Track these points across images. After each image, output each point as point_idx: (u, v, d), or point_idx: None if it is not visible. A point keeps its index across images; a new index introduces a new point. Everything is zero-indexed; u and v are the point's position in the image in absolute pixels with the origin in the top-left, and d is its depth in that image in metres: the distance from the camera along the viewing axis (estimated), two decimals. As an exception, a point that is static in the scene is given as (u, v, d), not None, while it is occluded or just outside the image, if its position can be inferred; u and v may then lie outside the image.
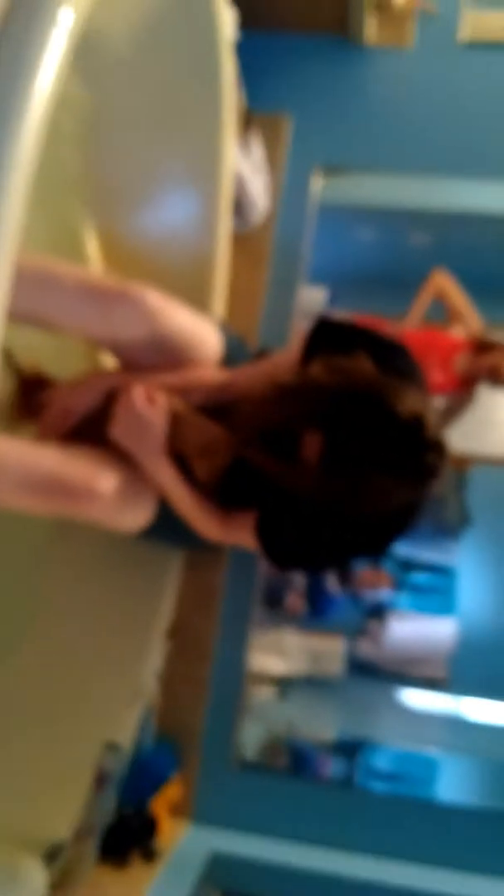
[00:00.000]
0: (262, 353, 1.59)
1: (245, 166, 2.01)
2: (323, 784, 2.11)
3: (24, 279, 1.26)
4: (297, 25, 2.37)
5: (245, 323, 2.16)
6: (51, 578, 1.71)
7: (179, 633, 1.97)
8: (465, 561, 2.37)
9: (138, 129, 1.66)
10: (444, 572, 2.40)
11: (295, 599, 2.32)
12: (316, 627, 2.33)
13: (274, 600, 2.28)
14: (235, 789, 2.01)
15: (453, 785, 2.21)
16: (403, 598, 2.40)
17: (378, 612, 2.36)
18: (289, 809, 2.00)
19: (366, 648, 2.33)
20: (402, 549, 2.36)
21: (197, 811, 1.97)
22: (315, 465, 1.28)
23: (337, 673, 2.29)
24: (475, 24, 2.39)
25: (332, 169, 2.37)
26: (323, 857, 1.91)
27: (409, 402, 1.21)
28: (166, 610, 1.77)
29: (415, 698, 2.33)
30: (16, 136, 0.93)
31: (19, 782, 1.48)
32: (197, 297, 1.69)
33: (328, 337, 1.38)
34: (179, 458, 1.36)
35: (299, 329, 2.21)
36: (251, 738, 2.10)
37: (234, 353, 1.50)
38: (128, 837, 1.66)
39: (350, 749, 2.21)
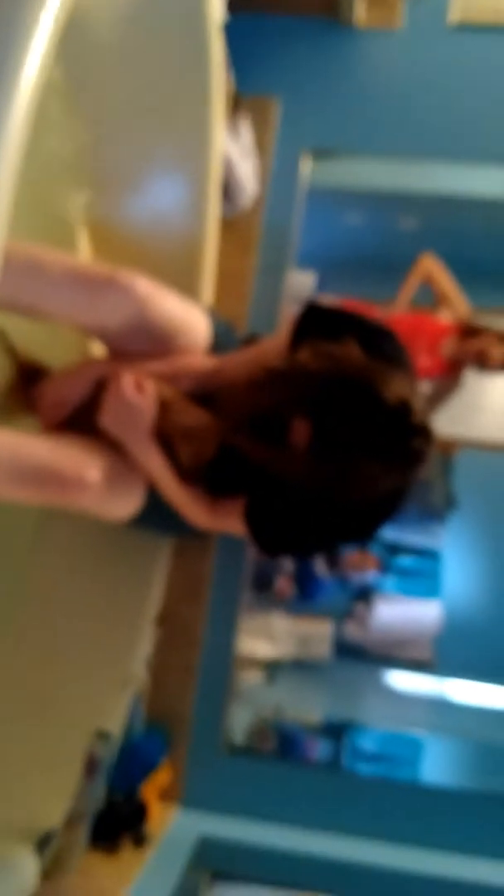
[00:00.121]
0: (250, 340, 1.58)
1: (234, 150, 1.99)
2: (310, 767, 2.13)
3: (12, 267, 1.24)
4: (286, 7, 2.34)
5: (234, 308, 2.14)
6: (39, 567, 1.71)
7: (168, 621, 1.98)
8: (451, 544, 2.39)
9: (126, 113, 1.64)
10: (429, 555, 2.42)
11: (284, 583, 2.33)
12: (304, 611, 2.34)
13: (263, 584, 2.29)
14: (224, 774, 2.02)
15: (438, 766, 2.24)
16: (390, 581, 2.41)
17: (365, 595, 2.38)
18: (277, 793, 2.01)
19: (353, 631, 2.35)
20: (389, 532, 2.37)
21: (186, 796, 1.98)
22: (303, 451, 1.28)
23: (324, 656, 2.30)
24: (465, 5, 2.37)
25: (321, 152, 2.35)
26: (311, 839, 1.93)
27: (395, 387, 1.22)
28: (155, 597, 1.77)
29: (401, 680, 2.35)
30: (3, 122, 0.91)
31: (9, 771, 1.49)
32: (186, 283, 1.67)
33: (317, 322, 1.38)
34: (168, 445, 1.36)
35: (288, 314, 2.20)
36: (239, 722, 2.12)
37: (222, 340, 1.49)
38: (118, 823, 1.67)
39: (337, 731, 2.24)
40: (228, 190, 2.05)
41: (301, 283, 2.37)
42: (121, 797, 1.72)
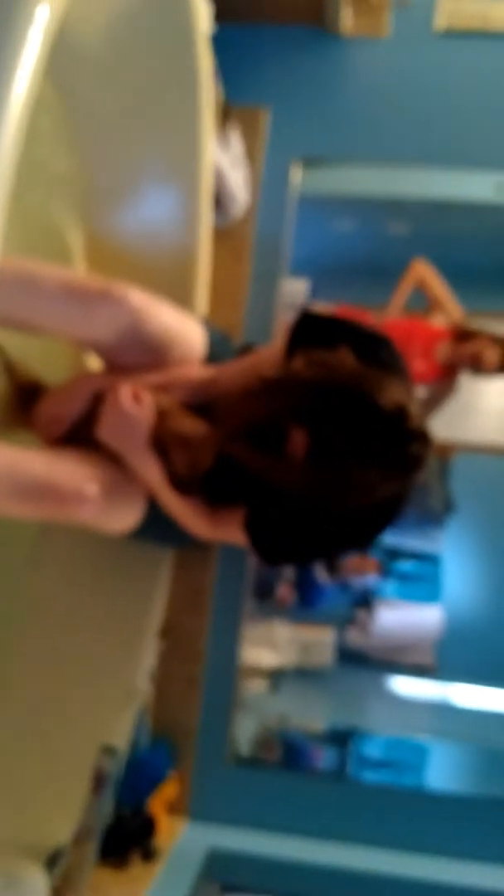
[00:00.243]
0: (246, 349, 1.58)
1: (224, 160, 2.00)
2: (316, 776, 2.12)
3: (6, 282, 1.25)
4: (273, 17, 2.35)
5: (228, 317, 2.15)
6: (39, 582, 1.70)
7: (171, 633, 1.97)
8: (450, 548, 2.39)
9: (116, 126, 1.64)
10: (429, 560, 2.42)
11: (285, 590, 2.32)
12: (305, 618, 2.34)
13: (264, 592, 2.28)
14: (231, 785, 2.02)
15: (443, 771, 2.24)
16: (390, 587, 2.41)
17: (366, 600, 2.37)
18: (284, 803, 2.01)
19: (354, 637, 2.34)
20: (388, 537, 2.37)
21: (194, 808, 1.97)
22: (301, 460, 1.28)
23: (327, 663, 2.30)
24: (451, 12, 2.38)
25: (311, 160, 2.36)
26: (319, 849, 1.92)
27: (391, 393, 1.22)
28: (157, 610, 1.76)
29: (404, 686, 2.34)
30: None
31: (17, 789, 1.48)
32: (180, 294, 1.68)
33: (311, 331, 1.38)
34: (164, 455, 1.36)
35: (283, 321, 2.21)
36: (244, 732, 2.11)
37: (218, 350, 1.49)
38: (127, 838, 1.66)
39: (341, 738, 2.23)
40: (220, 200, 2.05)
41: (294, 291, 2.38)
42: (128, 811, 1.71)
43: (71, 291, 1.31)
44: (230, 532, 1.46)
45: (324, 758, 2.20)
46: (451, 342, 2.28)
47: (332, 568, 2.34)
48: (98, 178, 1.69)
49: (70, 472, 1.30)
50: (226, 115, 2.05)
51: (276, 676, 2.29)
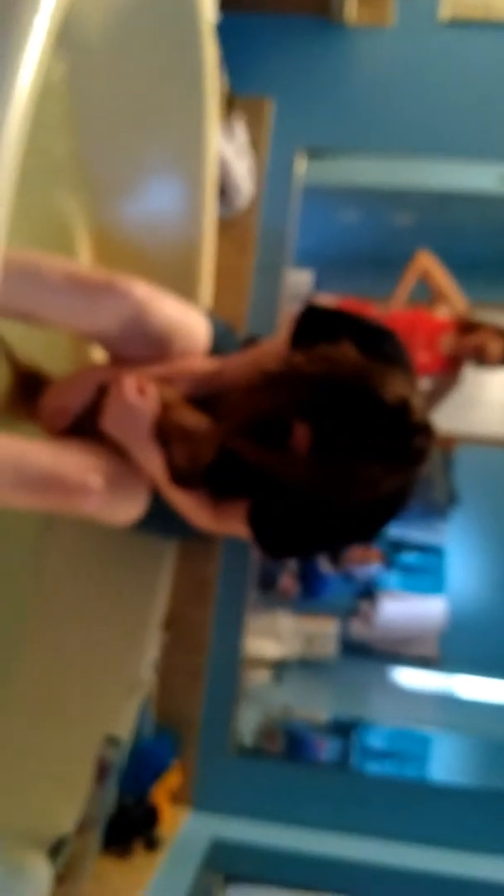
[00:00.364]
0: (250, 341, 1.58)
1: (229, 151, 1.99)
2: (319, 767, 2.13)
3: (11, 274, 1.24)
4: (278, 6, 2.33)
5: (233, 308, 2.14)
6: (44, 574, 1.71)
7: (175, 624, 1.97)
8: (454, 540, 2.39)
9: (121, 116, 1.63)
10: (432, 552, 2.41)
11: (288, 581, 2.32)
12: (309, 609, 2.34)
13: (268, 583, 2.28)
14: (234, 775, 2.02)
15: (446, 762, 2.24)
16: (394, 578, 2.41)
17: (369, 592, 2.37)
18: (287, 793, 2.02)
19: (358, 629, 2.34)
20: (392, 529, 2.36)
21: (197, 798, 1.98)
22: (304, 455, 1.28)
23: (330, 654, 2.30)
24: (455, 1, 2.36)
25: (316, 151, 2.35)
26: (322, 839, 1.93)
27: (394, 387, 1.21)
28: (161, 601, 1.77)
29: (407, 677, 2.35)
30: (2, 128, 0.91)
31: (21, 778, 1.49)
32: (184, 285, 1.67)
33: (315, 324, 1.37)
34: (167, 449, 1.36)
35: (287, 313, 2.20)
36: (248, 722, 2.11)
37: (222, 342, 1.49)
38: (130, 827, 1.67)
39: (345, 729, 2.23)
40: (224, 191, 2.04)
41: (299, 282, 2.37)
42: (132, 801, 1.72)
43: (75, 283, 1.31)
44: (233, 525, 1.46)
45: (327, 748, 2.20)
46: (455, 334, 2.27)
47: (336, 559, 2.34)
48: (102, 168, 1.69)
49: (74, 463, 1.30)
50: (230, 105, 2.04)
51: (279, 667, 2.30)
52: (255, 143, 2.24)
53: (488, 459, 2.38)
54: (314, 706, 2.32)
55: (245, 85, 2.20)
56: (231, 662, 2.07)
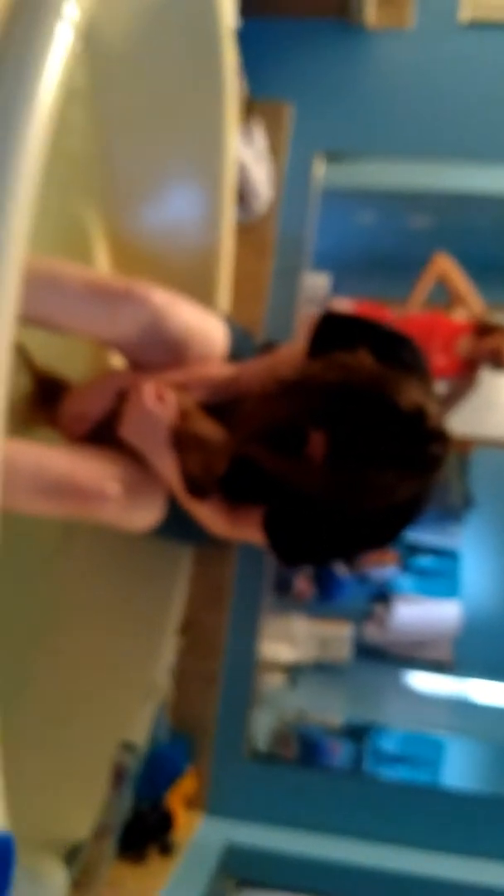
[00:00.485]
0: (268, 346, 1.58)
1: (248, 155, 1.98)
2: (333, 772, 2.12)
3: (31, 282, 1.24)
4: (297, 10, 2.33)
5: (250, 312, 2.14)
6: (61, 579, 1.71)
7: (190, 629, 1.97)
8: (469, 543, 2.38)
9: (141, 122, 1.63)
10: (447, 555, 2.40)
11: (303, 583, 2.32)
12: (323, 613, 2.34)
13: (283, 585, 2.28)
14: (248, 780, 2.02)
15: (460, 767, 2.23)
16: (408, 582, 2.40)
17: (384, 595, 2.37)
18: (301, 798, 2.01)
19: (372, 633, 2.34)
20: (406, 533, 2.35)
21: (211, 803, 1.98)
22: (319, 462, 1.27)
23: (345, 658, 2.30)
24: (475, 3, 2.35)
25: (334, 154, 2.34)
26: (335, 845, 1.93)
27: (409, 394, 1.20)
28: (177, 606, 1.77)
29: (421, 681, 2.34)
30: (24, 135, 0.91)
31: (37, 783, 1.49)
32: (202, 291, 1.67)
33: (332, 331, 1.36)
34: (181, 457, 1.36)
35: (305, 316, 2.20)
36: (262, 727, 2.11)
37: (240, 348, 1.49)
38: (145, 832, 1.67)
39: (358, 733, 2.23)
40: (243, 195, 2.04)
41: (316, 285, 2.36)
42: (147, 806, 1.72)
43: (94, 291, 1.32)
44: (249, 532, 1.45)
45: (341, 753, 2.20)
46: (473, 336, 2.26)
47: (351, 564, 2.33)
48: (121, 173, 1.69)
49: (93, 470, 1.31)
50: (249, 109, 2.04)
51: (293, 671, 2.29)
52: (274, 147, 2.23)
53: (504, 462, 2.37)
54: (328, 710, 2.32)
55: (264, 89, 2.20)
56: (246, 667, 2.07)
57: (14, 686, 1.58)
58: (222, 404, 1.39)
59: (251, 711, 2.07)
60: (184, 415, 1.34)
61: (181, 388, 1.38)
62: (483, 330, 2.26)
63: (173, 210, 1.71)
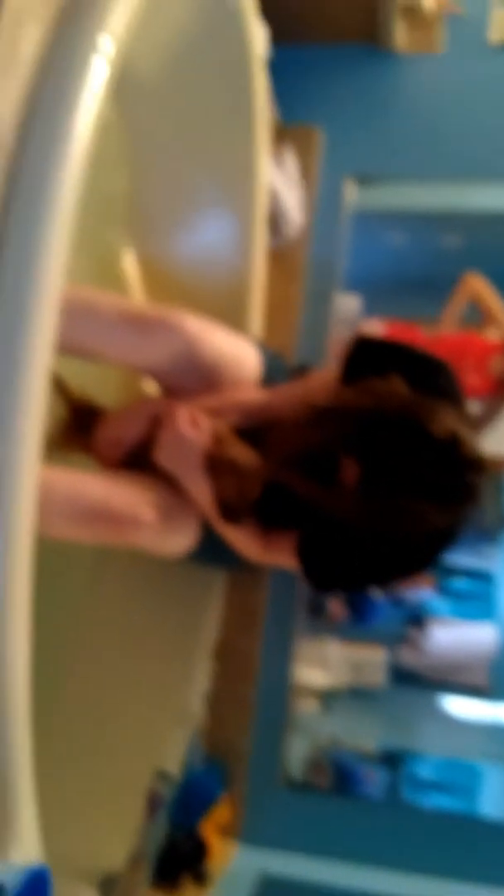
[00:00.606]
0: (300, 371, 1.58)
1: (279, 181, 2.00)
2: (369, 801, 2.09)
3: (67, 311, 1.26)
4: (327, 36, 2.35)
5: (282, 336, 2.14)
6: (94, 605, 1.71)
7: (224, 654, 1.96)
8: (504, 565, 2.35)
9: (173, 150, 1.65)
10: (483, 577, 2.38)
11: (337, 606, 2.30)
12: (357, 637, 2.32)
13: (316, 608, 2.27)
14: (283, 808, 2.00)
15: (498, 794, 2.19)
16: (443, 605, 2.38)
17: (418, 619, 2.35)
18: (336, 827, 1.98)
19: (407, 657, 2.31)
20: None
21: (245, 832, 1.95)
22: (352, 490, 1.26)
23: (379, 683, 2.27)
24: (505, 25, 2.36)
25: (365, 178, 2.35)
26: (371, 875, 1.89)
27: (443, 421, 1.19)
28: (211, 630, 1.76)
29: (457, 706, 2.31)
30: (62, 166, 0.93)
31: (72, 812, 1.48)
32: (235, 316, 1.68)
33: (365, 357, 1.36)
34: (216, 482, 1.36)
35: (337, 339, 2.20)
36: (296, 753, 2.09)
37: (272, 372, 1.49)
38: (179, 861, 1.66)
39: (393, 759, 2.20)
40: (275, 221, 2.05)
41: (347, 306, 2.37)
42: (181, 834, 1.71)
43: (128, 319, 1.33)
44: (282, 557, 1.45)
45: (376, 781, 2.17)
46: (506, 356, 2.25)
47: (385, 588, 2.31)
48: (154, 202, 1.71)
49: (127, 496, 1.31)
50: (280, 135, 2.06)
51: (327, 696, 2.27)
52: (305, 172, 2.24)
53: (539, 483, 2.34)
54: (363, 736, 2.29)
55: (294, 114, 2.22)
56: (280, 692, 2.05)
57: (47, 713, 1.58)
58: (256, 429, 1.39)
59: (286, 738, 2.05)
60: (217, 440, 1.34)
61: (215, 413, 1.38)
62: (516, 349, 2.25)
63: (206, 237, 1.72)
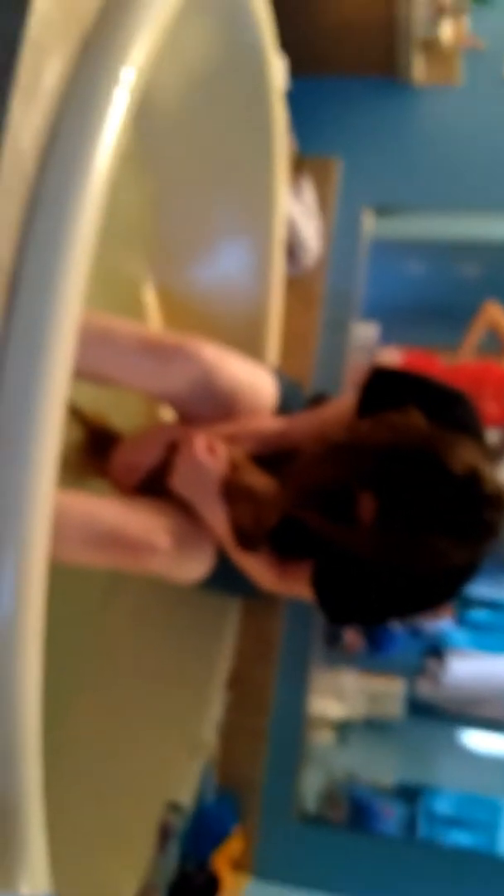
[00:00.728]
0: (317, 399, 1.58)
1: (297, 211, 2.02)
2: (386, 836, 2.06)
3: (85, 338, 1.27)
4: (347, 69, 2.39)
5: (300, 364, 2.15)
6: (107, 631, 1.71)
7: (238, 684, 1.95)
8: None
9: (192, 180, 1.67)
10: (502, 608, 2.35)
11: (353, 636, 2.28)
12: (374, 668, 2.29)
13: (332, 638, 2.25)
14: (297, 842, 1.97)
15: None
16: (462, 636, 2.35)
17: (437, 650, 2.32)
18: (351, 863, 1.95)
19: (425, 688, 2.28)
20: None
21: (258, 866, 1.92)
22: (369, 525, 1.24)
23: (396, 715, 2.24)
24: (524, 58, 2.38)
25: (383, 208, 2.37)
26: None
27: (462, 456, 1.16)
28: (225, 660, 1.75)
29: (477, 740, 2.27)
30: (82, 195, 0.94)
31: (83, 843, 1.47)
32: (252, 344, 1.69)
33: (382, 389, 1.35)
34: (232, 509, 1.35)
35: (354, 367, 2.20)
36: (311, 786, 2.06)
37: (289, 400, 1.49)
38: (190, 894, 1.63)
39: (411, 794, 2.16)
40: (293, 250, 2.07)
41: (365, 334, 2.37)
42: (193, 867, 1.68)
43: (146, 347, 1.34)
44: (297, 587, 1.43)
45: (393, 816, 2.13)
46: (524, 384, 2.24)
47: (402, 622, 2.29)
48: (173, 230, 1.73)
49: (142, 521, 1.31)
50: (298, 166, 2.08)
51: (343, 728, 2.24)
52: (323, 202, 2.27)
53: None
54: (379, 770, 2.26)
55: (313, 145, 2.25)
56: (294, 723, 2.03)
57: (58, 741, 1.57)
58: (272, 457, 1.39)
59: (300, 770, 2.02)
60: (234, 467, 1.34)
61: (231, 440, 1.38)
62: (535, 378, 2.24)
63: (224, 266, 1.74)
